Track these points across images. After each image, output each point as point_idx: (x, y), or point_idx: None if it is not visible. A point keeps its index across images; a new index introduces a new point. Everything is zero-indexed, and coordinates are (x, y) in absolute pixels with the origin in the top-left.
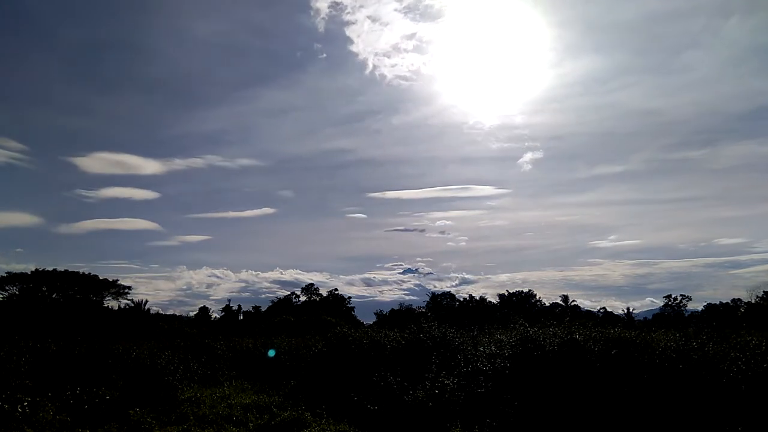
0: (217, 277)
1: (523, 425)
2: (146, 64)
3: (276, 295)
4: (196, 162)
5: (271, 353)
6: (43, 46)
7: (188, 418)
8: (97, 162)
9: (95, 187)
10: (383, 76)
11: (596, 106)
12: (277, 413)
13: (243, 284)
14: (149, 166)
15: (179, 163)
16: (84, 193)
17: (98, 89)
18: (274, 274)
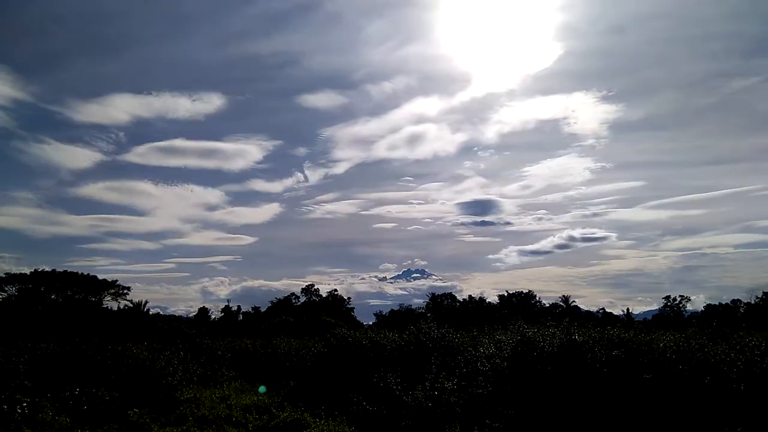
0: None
1: (522, 426)
2: None
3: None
4: None
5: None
6: None
7: (187, 419)
8: None
9: None
10: None
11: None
12: (277, 414)
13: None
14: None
15: None
16: None
17: None
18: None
